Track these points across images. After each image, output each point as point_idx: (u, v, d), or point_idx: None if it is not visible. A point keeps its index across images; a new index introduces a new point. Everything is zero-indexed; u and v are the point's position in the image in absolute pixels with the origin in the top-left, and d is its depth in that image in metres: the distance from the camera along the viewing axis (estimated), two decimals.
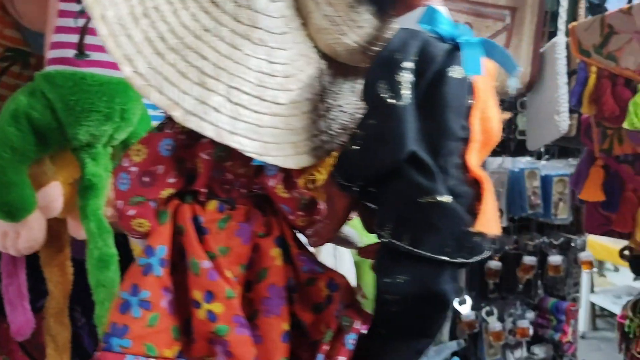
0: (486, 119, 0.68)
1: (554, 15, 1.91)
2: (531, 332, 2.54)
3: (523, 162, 2.49)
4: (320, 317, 0.74)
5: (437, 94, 0.63)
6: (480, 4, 1.89)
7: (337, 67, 0.70)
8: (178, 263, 0.69)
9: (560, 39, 1.81)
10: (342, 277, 0.75)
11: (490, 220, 0.65)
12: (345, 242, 0.83)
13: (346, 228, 0.80)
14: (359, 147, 0.64)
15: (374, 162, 0.63)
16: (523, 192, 2.41)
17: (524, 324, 2.51)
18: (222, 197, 0.70)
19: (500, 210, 2.44)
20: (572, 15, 1.91)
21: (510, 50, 1.88)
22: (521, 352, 2.58)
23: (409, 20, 0.67)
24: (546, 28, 1.98)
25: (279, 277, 0.72)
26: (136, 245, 1.06)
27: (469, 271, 2.49)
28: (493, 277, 2.47)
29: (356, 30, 0.66)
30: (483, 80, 0.68)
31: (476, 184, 0.66)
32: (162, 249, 0.67)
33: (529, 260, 2.46)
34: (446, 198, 0.63)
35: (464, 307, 2.45)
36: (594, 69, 1.52)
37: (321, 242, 0.74)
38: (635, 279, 2.12)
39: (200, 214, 0.69)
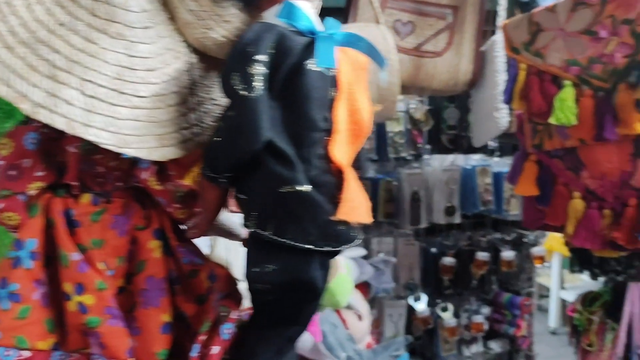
0: (355, 111, 0.70)
1: (496, 15, 1.94)
2: (486, 327, 2.56)
3: (475, 159, 2.52)
4: (203, 308, 0.75)
5: (296, 86, 0.65)
6: (422, 3, 1.92)
7: (209, 61, 0.72)
8: (52, 256, 0.70)
9: (499, 38, 1.83)
10: (222, 267, 0.76)
11: (354, 209, 0.67)
12: (228, 234, 0.84)
13: (229, 219, 0.81)
14: (220, 139, 0.65)
15: (233, 153, 0.65)
16: (475, 189, 2.44)
17: (479, 319, 2.53)
18: (97, 190, 0.71)
19: (454, 207, 2.47)
20: (512, 14, 1.94)
21: (453, 49, 1.91)
22: (477, 347, 2.60)
23: (271, 15, 0.68)
24: (488, 27, 2.01)
25: (158, 269, 0.73)
26: None
27: (423, 268, 2.51)
28: (448, 274, 2.49)
29: (223, 24, 0.68)
30: (350, 73, 0.69)
31: (340, 174, 0.67)
32: (32, 242, 0.68)
33: (482, 256, 2.48)
34: (305, 187, 0.64)
35: (420, 304, 2.47)
36: (523, 66, 1.54)
37: (199, 234, 0.75)
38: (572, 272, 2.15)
39: (73, 207, 0.69)
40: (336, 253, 0.70)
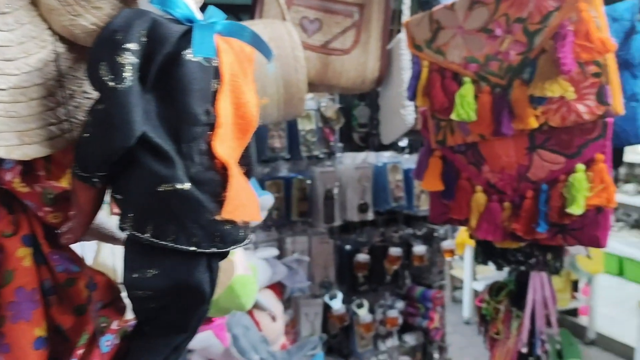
0: (241, 105, 0.67)
1: (401, 14, 1.97)
2: (401, 321, 2.61)
3: (386, 157, 2.56)
4: (82, 319, 0.69)
5: (173, 78, 0.61)
6: (329, 1, 1.91)
7: (80, 50, 0.66)
8: None
9: (404, 36, 1.86)
10: (102, 274, 0.71)
11: (240, 207, 0.63)
12: (109, 238, 0.79)
13: (109, 222, 0.76)
14: (89, 135, 0.60)
15: (104, 149, 0.60)
16: (387, 186, 2.48)
17: (393, 313, 2.58)
18: None
19: (367, 204, 2.50)
20: (416, 13, 1.98)
21: (360, 47, 1.92)
22: (392, 341, 2.65)
23: (145, 2, 0.64)
24: (395, 26, 2.04)
25: (29, 279, 0.67)
26: None
27: (338, 265, 2.52)
28: (362, 270, 2.52)
29: (93, 11, 0.62)
30: (234, 64, 0.66)
31: (224, 171, 0.64)
32: None
33: (395, 251, 2.52)
34: (186, 186, 0.60)
35: (335, 302, 2.48)
36: (426, 63, 1.57)
37: (74, 239, 0.69)
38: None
39: None
40: (224, 254, 0.67)
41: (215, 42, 0.63)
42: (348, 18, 1.91)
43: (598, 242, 1.38)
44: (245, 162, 0.69)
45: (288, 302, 2.40)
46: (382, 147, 2.55)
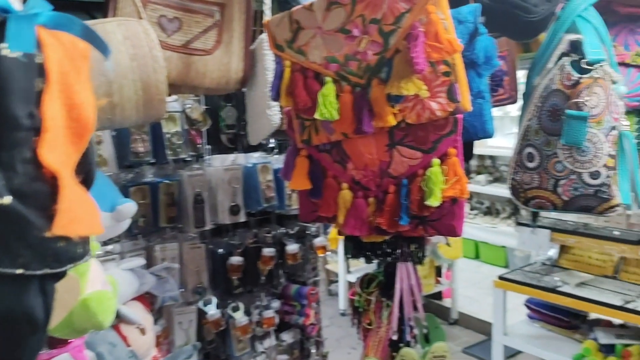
0: (74, 106, 0.60)
1: (263, 14, 1.96)
2: (277, 320, 2.61)
3: (255, 157, 2.54)
4: None
5: None
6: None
7: None
8: None
9: (266, 36, 1.84)
10: None
11: (74, 221, 0.57)
12: None
13: None
14: None
15: None
16: (257, 186, 2.46)
17: (269, 313, 2.57)
18: None
19: (238, 206, 2.46)
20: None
21: (223, 47, 1.87)
22: (270, 341, 2.64)
23: None
24: (258, 27, 2.02)
25: None
26: None
27: (211, 270, 2.46)
28: (236, 273, 2.48)
29: None
30: (64, 61, 0.59)
31: (55, 181, 0.57)
32: None
33: (268, 251, 2.51)
34: (6, 200, 0.53)
35: (210, 307, 2.42)
36: (288, 63, 1.57)
37: None
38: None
39: None
40: (60, 275, 0.60)
41: (39, 36, 0.56)
42: (209, 17, 1.86)
43: (454, 231, 1.47)
44: (83, 169, 0.63)
45: (160, 312, 2.29)
46: (251, 148, 2.53)
